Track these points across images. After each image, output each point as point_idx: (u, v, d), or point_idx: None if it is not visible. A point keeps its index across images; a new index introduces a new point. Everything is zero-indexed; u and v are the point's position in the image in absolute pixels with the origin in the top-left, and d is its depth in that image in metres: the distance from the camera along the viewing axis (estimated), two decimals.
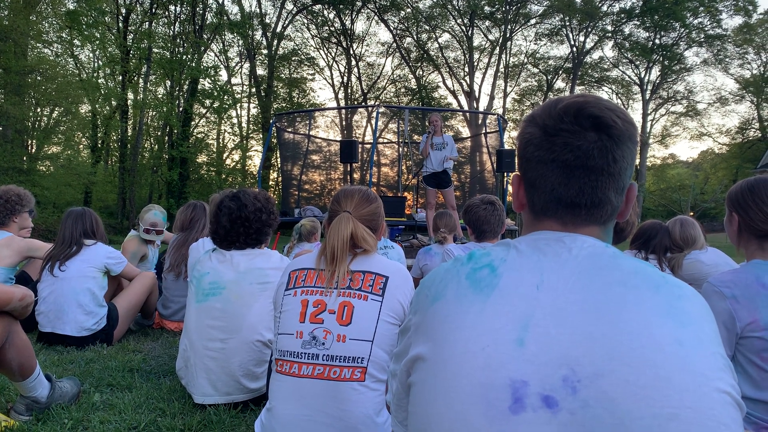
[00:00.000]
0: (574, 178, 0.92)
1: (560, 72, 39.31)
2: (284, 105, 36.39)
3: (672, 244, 3.80)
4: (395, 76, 40.68)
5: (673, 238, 3.81)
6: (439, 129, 8.30)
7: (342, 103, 38.69)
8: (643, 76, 38.95)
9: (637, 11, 35.89)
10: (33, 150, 25.34)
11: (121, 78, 26.72)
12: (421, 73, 40.14)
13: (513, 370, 0.79)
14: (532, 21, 37.77)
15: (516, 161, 1.04)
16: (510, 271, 0.89)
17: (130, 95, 27.20)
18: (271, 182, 32.25)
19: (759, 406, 1.59)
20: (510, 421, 0.77)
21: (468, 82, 37.87)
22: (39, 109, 25.56)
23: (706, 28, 36.81)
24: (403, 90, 40.47)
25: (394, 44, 38.69)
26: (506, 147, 11.17)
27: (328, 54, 39.31)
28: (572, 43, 38.06)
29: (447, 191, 8.37)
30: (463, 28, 37.66)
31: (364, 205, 1.99)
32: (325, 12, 36.99)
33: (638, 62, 38.76)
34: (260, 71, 35.78)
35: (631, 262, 0.86)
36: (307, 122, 15.66)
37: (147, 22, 28.44)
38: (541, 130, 0.95)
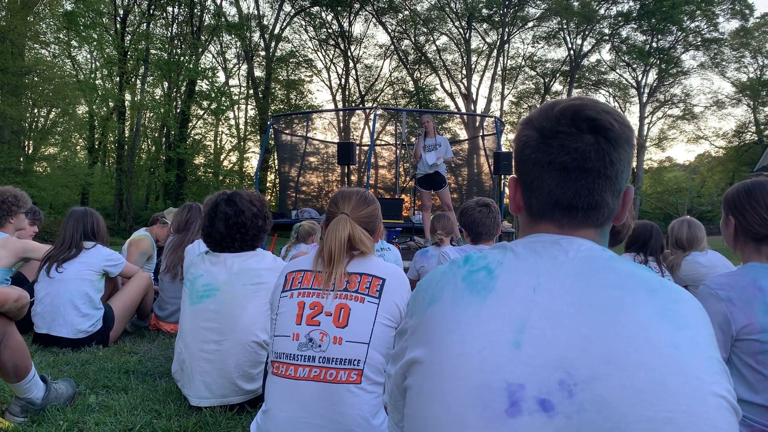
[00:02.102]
0: (571, 181, 0.92)
1: (557, 75, 39.41)
2: (282, 107, 36.41)
3: (677, 243, 3.82)
4: (393, 78, 40.77)
5: (679, 238, 3.83)
6: (432, 130, 8.17)
7: (340, 105, 38.72)
8: (640, 79, 39.05)
9: (634, 14, 35.98)
10: (30, 151, 25.34)
11: (118, 79, 26.73)
12: (418, 75, 40.23)
13: (509, 373, 0.79)
14: (530, 24, 37.87)
15: (513, 164, 1.04)
16: (506, 273, 0.89)
17: (128, 96, 27.20)
18: (268, 184, 32.26)
19: (754, 408, 1.59)
20: (506, 424, 0.76)
21: (465, 85, 37.92)
22: (36, 110, 25.58)
23: (703, 32, 36.90)
24: (400, 92, 40.54)
25: (392, 46, 38.75)
26: (503, 149, 11.17)
27: (326, 56, 39.40)
28: (569, 46, 38.15)
29: (442, 192, 8.25)
30: (460, 30, 37.72)
31: (361, 207, 1.98)
32: (323, 14, 37.04)
33: (635, 65, 38.84)
34: (258, 73, 35.86)
35: (628, 265, 0.86)
36: (305, 124, 15.68)
37: (145, 24, 28.43)
38: (538, 133, 0.95)
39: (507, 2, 35.70)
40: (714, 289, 1.68)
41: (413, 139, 9.28)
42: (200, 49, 30.83)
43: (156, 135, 32.50)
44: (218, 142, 36.23)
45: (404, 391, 0.95)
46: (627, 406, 0.71)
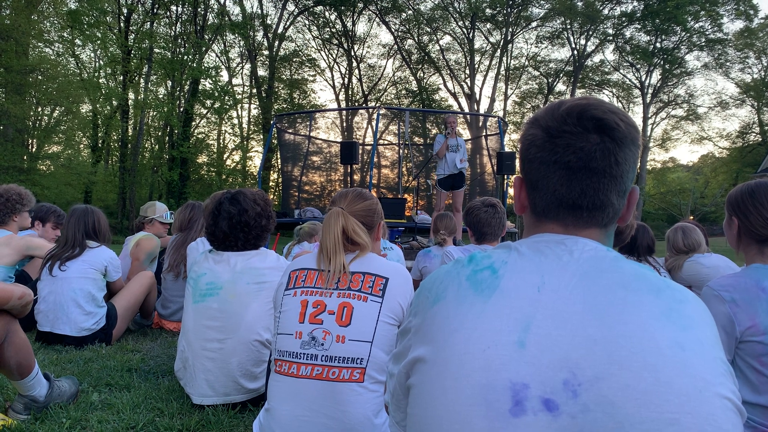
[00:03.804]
0: (576, 180, 0.92)
1: (561, 75, 39.36)
2: (285, 106, 36.41)
3: (676, 251, 3.85)
4: (396, 77, 40.79)
5: (676, 246, 3.85)
6: (454, 130, 8.32)
7: (343, 105, 38.73)
8: (643, 79, 38.99)
9: (638, 15, 35.94)
10: (33, 149, 25.39)
11: (122, 78, 26.77)
12: (422, 75, 40.22)
13: (513, 372, 0.78)
14: (533, 24, 37.85)
15: (518, 163, 1.04)
16: (511, 273, 0.89)
17: (131, 95, 27.26)
18: (271, 183, 32.27)
19: (758, 410, 1.58)
20: (510, 424, 0.76)
21: (469, 85, 37.94)
22: (40, 109, 25.63)
23: (707, 32, 36.85)
24: (403, 92, 40.51)
25: (395, 46, 38.76)
26: (506, 149, 11.16)
27: (329, 55, 39.41)
28: (573, 46, 38.12)
29: (459, 192, 8.39)
30: (464, 30, 37.73)
31: (357, 201, 1.99)
32: (327, 13, 37.04)
33: (639, 66, 38.80)
34: (261, 72, 35.86)
35: (633, 265, 0.86)
36: (308, 123, 15.66)
37: (148, 22, 28.47)
38: (544, 132, 0.95)
39: (511, 2, 35.68)
40: (717, 290, 1.67)
41: (417, 139, 9.36)
42: (204, 48, 30.85)
43: (159, 134, 32.53)
44: (221, 141, 36.27)
45: (407, 390, 0.95)
46: (631, 406, 0.71)
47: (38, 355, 3.32)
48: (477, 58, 38.36)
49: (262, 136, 34.18)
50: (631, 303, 0.79)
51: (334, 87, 39.92)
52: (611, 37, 37.82)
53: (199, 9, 30.00)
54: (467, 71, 38.19)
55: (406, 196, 13.78)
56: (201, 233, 4.28)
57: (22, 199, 4.03)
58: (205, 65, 30.18)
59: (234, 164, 34.79)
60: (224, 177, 31.71)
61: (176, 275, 4.27)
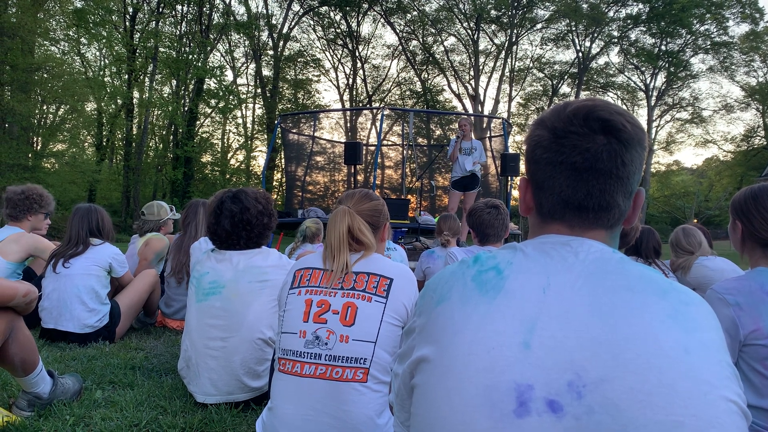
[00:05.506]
0: (582, 181, 0.92)
1: (566, 77, 39.30)
2: (289, 106, 36.46)
3: (681, 250, 3.88)
4: (400, 78, 40.79)
5: (678, 245, 3.87)
6: (469, 133, 8.30)
7: (347, 105, 38.74)
8: (648, 82, 38.89)
9: (643, 17, 35.86)
10: (38, 147, 25.48)
11: (127, 77, 26.85)
12: (426, 76, 40.19)
13: (518, 374, 0.78)
14: (538, 26, 37.78)
15: (524, 165, 1.04)
16: (516, 273, 0.89)
17: (136, 94, 27.35)
18: (274, 183, 32.31)
19: (761, 413, 1.58)
20: (514, 425, 0.76)
21: (473, 86, 37.85)
22: (45, 107, 25.73)
23: (713, 35, 36.75)
24: (408, 93, 40.53)
25: (400, 47, 38.74)
26: (510, 151, 11.15)
27: (334, 56, 39.43)
28: (578, 48, 38.05)
29: (470, 194, 8.38)
30: (469, 31, 37.68)
31: (364, 201, 1.99)
32: (332, 14, 37.07)
33: (644, 68, 38.70)
34: (266, 72, 35.91)
35: (638, 267, 0.86)
36: (312, 123, 15.66)
37: (154, 22, 28.55)
38: (550, 133, 0.95)
39: (515, 4, 35.64)
40: (722, 293, 1.66)
41: (420, 140, 9.38)
42: (209, 48, 30.93)
43: (164, 133, 32.64)
44: (225, 140, 36.37)
45: (411, 390, 0.95)
46: (636, 409, 0.71)
47: (42, 352, 3.32)
48: (481, 60, 38.34)
49: (266, 136, 34.22)
50: (636, 305, 0.79)
51: (338, 87, 40.00)
52: (616, 40, 37.75)
53: (204, 8, 30.06)
54: (472, 72, 38.15)
55: (409, 197, 13.78)
56: (196, 237, 4.22)
57: (42, 200, 4.05)
58: (210, 65, 30.27)
59: (238, 164, 34.91)
60: (228, 176, 31.80)
61: (179, 282, 4.25)
